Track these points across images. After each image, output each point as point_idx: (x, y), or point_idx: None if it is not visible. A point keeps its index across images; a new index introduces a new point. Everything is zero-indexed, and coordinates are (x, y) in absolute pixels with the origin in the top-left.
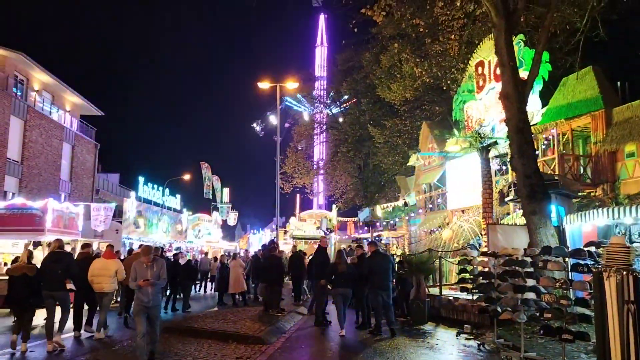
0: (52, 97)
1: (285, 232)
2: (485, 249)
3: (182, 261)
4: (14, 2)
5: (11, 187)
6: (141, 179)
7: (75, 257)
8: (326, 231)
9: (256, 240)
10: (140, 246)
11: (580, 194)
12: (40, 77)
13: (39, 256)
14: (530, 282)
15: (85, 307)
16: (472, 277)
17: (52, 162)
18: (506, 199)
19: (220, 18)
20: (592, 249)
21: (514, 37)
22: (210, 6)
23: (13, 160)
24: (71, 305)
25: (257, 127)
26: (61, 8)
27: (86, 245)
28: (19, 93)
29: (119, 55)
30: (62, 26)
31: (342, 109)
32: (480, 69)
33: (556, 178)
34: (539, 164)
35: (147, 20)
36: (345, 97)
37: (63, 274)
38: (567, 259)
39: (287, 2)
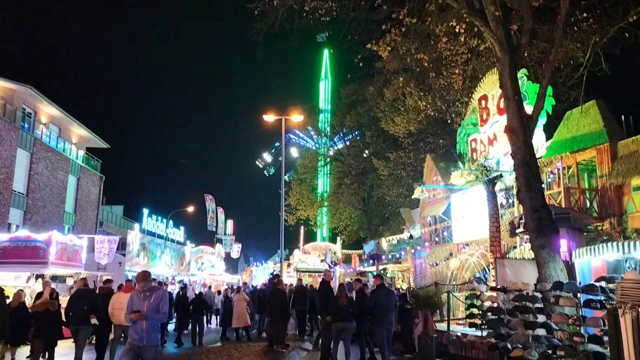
0: (59, 130)
1: (289, 265)
2: (493, 284)
3: (189, 294)
4: (22, 35)
5: (16, 219)
6: (145, 211)
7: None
8: (331, 264)
9: (259, 273)
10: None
11: (588, 227)
12: (47, 110)
13: (38, 289)
14: (542, 318)
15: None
16: (481, 312)
17: (57, 194)
18: (517, 231)
19: (224, 51)
20: (603, 284)
21: (517, 72)
22: (215, 39)
23: (18, 192)
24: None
25: (261, 161)
26: (69, 41)
27: (108, 281)
28: (26, 126)
29: (124, 87)
30: (70, 58)
31: (345, 140)
32: (483, 102)
33: (568, 212)
34: (545, 198)
35: (153, 53)
36: (348, 130)
37: (89, 310)
38: (578, 295)
39: (291, 37)
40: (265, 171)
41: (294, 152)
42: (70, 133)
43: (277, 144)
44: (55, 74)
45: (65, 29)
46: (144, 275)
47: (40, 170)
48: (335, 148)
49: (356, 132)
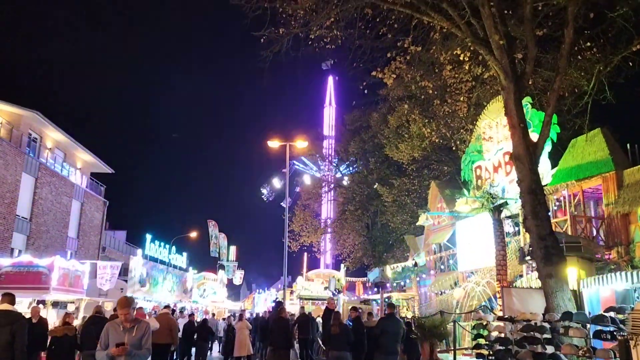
0: (64, 155)
1: (291, 292)
2: (500, 313)
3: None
4: (30, 59)
5: (18, 244)
6: (148, 237)
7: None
8: (334, 292)
9: (262, 300)
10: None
11: (598, 256)
12: (53, 135)
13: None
14: (550, 349)
15: None
16: (488, 342)
17: (61, 220)
18: (527, 258)
19: (229, 77)
20: (613, 314)
21: (522, 100)
22: (220, 66)
23: (22, 217)
24: None
25: (264, 191)
26: (76, 66)
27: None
28: (32, 151)
29: (129, 113)
30: (76, 84)
31: (350, 170)
32: (488, 129)
33: (579, 241)
34: (552, 226)
35: (158, 80)
36: (352, 159)
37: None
38: (588, 326)
39: (296, 64)
40: (266, 198)
41: (300, 175)
42: (75, 158)
43: (282, 173)
44: (61, 99)
45: (72, 55)
46: (127, 302)
47: (44, 195)
48: (340, 176)
49: (360, 162)
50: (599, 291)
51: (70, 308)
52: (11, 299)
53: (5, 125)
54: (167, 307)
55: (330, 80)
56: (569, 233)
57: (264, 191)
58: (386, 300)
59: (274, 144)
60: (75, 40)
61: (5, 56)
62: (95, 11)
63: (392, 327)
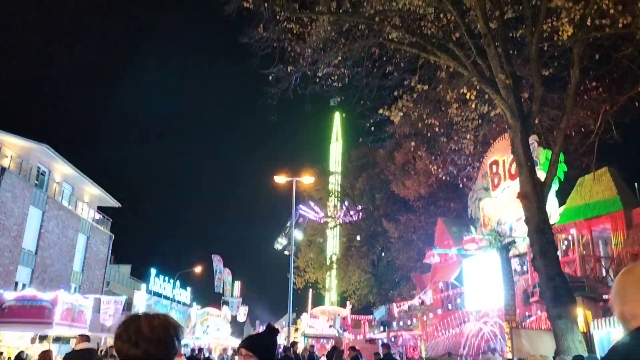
0: (72, 188)
1: (296, 330)
2: (509, 355)
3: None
4: (40, 93)
5: (23, 278)
6: (153, 271)
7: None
8: (340, 329)
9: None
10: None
11: (605, 297)
12: (62, 169)
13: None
14: None
15: None
16: None
17: (66, 253)
18: (531, 300)
19: (236, 112)
20: None
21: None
22: (228, 101)
23: (28, 250)
24: None
25: (279, 244)
26: (83, 99)
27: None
28: (40, 184)
29: (137, 147)
30: (84, 116)
31: (358, 211)
32: (494, 167)
33: (582, 280)
34: (560, 266)
35: (164, 114)
36: (359, 207)
37: None
38: None
39: (304, 101)
40: (280, 247)
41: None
42: (82, 191)
43: (288, 224)
44: (70, 132)
45: (81, 88)
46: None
47: (50, 229)
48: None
49: (366, 197)
50: (610, 334)
51: (73, 343)
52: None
53: (15, 158)
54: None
55: (337, 115)
56: (578, 273)
57: (281, 241)
58: (390, 340)
59: (280, 179)
60: (82, 74)
61: (16, 88)
62: (103, 46)
63: None
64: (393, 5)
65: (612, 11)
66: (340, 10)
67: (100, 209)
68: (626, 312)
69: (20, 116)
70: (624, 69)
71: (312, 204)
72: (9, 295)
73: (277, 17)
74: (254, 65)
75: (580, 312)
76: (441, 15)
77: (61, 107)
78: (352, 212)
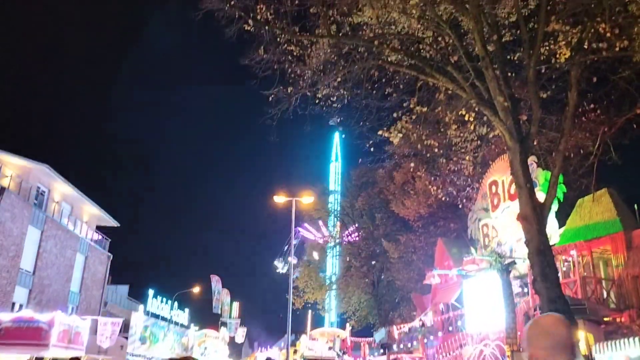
0: (71, 208)
1: (295, 352)
2: None
3: None
4: (40, 113)
5: (20, 298)
6: (150, 292)
7: None
8: (339, 352)
9: (263, 359)
10: None
11: (606, 319)
12: (61, 189)
13: None
14: None
15: None
16: None
17: (64, 273)
18: None
19: (235, 132)
20: None
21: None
22: (226, 122)
23: (25, 270)
24: None
25: (278, 265)
26: (81, 119)
27: None
28: (38, 207)
29: (137, 167)
30: (83, 136)
31: (358, 231)
32: (494, 187)
33: (583, 303)
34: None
35: (163, 135)
36: (353, 228)
37: None
38: None
39: (303, 121)
40: (280, 271)
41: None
42: (81, 211)
43: (286, 247)
44: (69, 152)
45: (81, 108)
46: None
47: (49, 249)
48: (346, 238)
49: (366, 217)
50: (612, 357)
51: None
52: None
53: (14, 178)
54: None
55: (337, 135)
56: (579, 295)
57: (279, 264)
58: None
59: (280, 199)
60: (82, 94)
61: (16, 107)
62: (102, 65)
63: None
64: (392, 29)
65: (608, 35)
66: (340, 34)
67: (99, 229)
68: (532, 355)
69: (20, 136)
70: (622, 91)
71: (308, 226)
72: (5, 317)
73: (278, 39)
74: (255, 86)
75: (582, 335)
76: (439, 39)
77: (61, 127)
78: (351, 232)
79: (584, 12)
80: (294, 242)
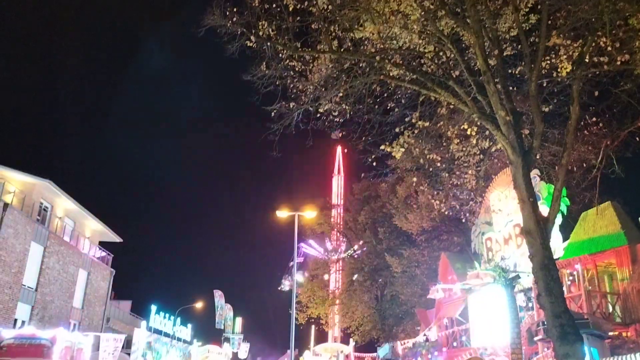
0: (74, 224)
1: None
2: None
3: None
4: (42, 128)
5: (22, 315)
6: (153, 308)
7: None
8: None
9: None
10: None
11: (611, 333)
12: (64, 204)
13: None
14: None
15: None
16: None
17: (67, 289)
18: (535, 339)
19: (237, 148)
20: None
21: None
22: (229, 137)
23: (28, 286)
24: None
25: (285, 284)
26: (84, 134)
27: None
28: (41, 223)
29: (139, 183)
30: (86, 152)
31: (361, 248)
32: (497, 202)
33: (586, 317)
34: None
35: (166, 150)
36: (357, 246)
37: None
38: None
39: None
40: (285, 289)
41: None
42: (84, 227)
43: (290, 264)
44: (72, 167)
45: (83, 124)
46: None
47: (51, 265)
48: (349, 253)
49: (369, 231)
50: None
51: None
52: None
53: (17, 194)
54: None
55: (339, 149)
56: (584, 309)
57: (286, 282)
58: None
59: (282, 213)
60: (85, 111)
61: (18, 123)
62: (103, 80)
63: None
64: (393, 44)
65: (609, 48)
66: (342, 49)
67: (102, 244)
68: None
69: (23, 152)
70: (624, 104)
71: (312, 242)
72: (8, 334)
73: (280, 55)
74: (257, 101)
75: (587, 350)
76: (441, 53)
77: (64, 143)
78: (354, 246)
79: (584, 26)
80: (298, 260)
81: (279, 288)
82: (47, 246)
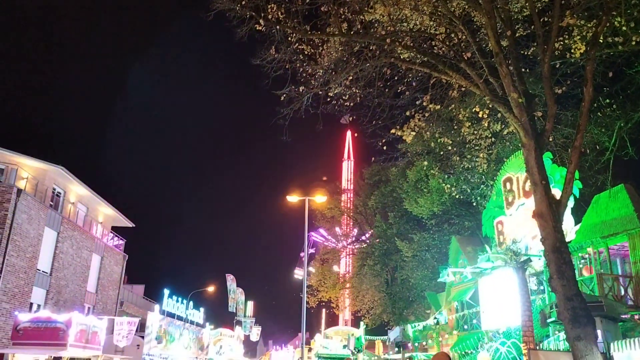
0: (87, 209)
1: (309, 350)
2: None
3: None
4: (57, 115)
5: (37, 299)
6: (166, 292)
7: None
8: (354, 350)
9: (279, 358)
10: None
11: (623, 316)
12: (77, 190)
13: None
14: None
15: None
16: None
17: (80, 274)
18: (548, 321)
19: (249, 132)
20: None
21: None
22: (241, 122)
23: (42, 271)
24: None
25: (298, 275)
26: (96, 120)
27: None
28: (54, 208)
29: (152, 167)
30: (99, 137)
31: (369, 234)
32: (508, 184)
33: (600, 300)
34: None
35: (178, 135)
36: (368, 235)
37: None
38: None
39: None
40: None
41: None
42: (97, 212)
43: (302, 254)
44: (83, 152)
45: (96, 110)
46: None
47: (65, 249)
48: (359, 236)
49: (379, 216)
50: (630, 356)
51: None
52: None
53: (31, 180)
54: None
55: (349, 134)
56: (596, 292)
57: (299, 272)
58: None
59: (293, 198)
60: (98, 99)
61: (31, 110)
62: (116, 67)
63: None
64: (404, 26)
65: (624, 28)
66: (351, 32)
67: (114, 229)
68: None
69: (36, 138)
70: (638, 85)
71: (322, 231)
72: (24, 317)
73: (289, 38)
74: (266, 86)
75: (600, 333)
76: (452, 35)
77: (76, 129)
78: (364, 231)
79: (599, 6)
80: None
81: (294, 277)
82: (61, 231)
